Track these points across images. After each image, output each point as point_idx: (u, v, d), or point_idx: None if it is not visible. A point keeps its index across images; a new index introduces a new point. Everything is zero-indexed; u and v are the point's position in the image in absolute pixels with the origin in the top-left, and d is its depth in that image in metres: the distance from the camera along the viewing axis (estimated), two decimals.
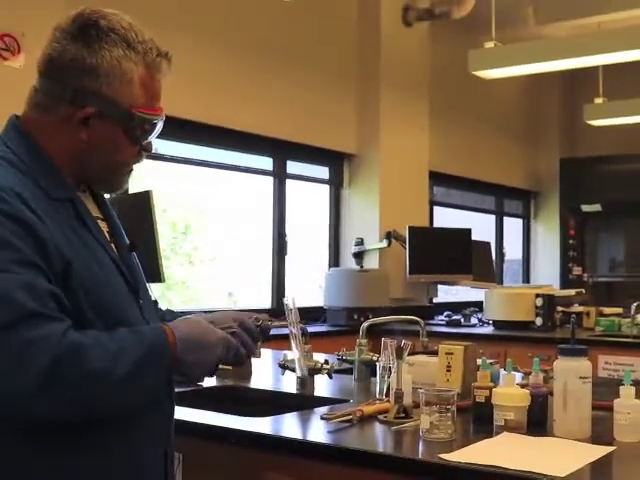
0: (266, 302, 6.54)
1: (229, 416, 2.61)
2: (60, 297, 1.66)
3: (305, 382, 3.05)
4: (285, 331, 3.21)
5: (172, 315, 2.13)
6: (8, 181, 1.70)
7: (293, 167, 6.86)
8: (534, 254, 10.30)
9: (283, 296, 6.60)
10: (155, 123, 1.89)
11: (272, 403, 2.95)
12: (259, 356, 2.92)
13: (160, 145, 5.69)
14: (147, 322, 1.90)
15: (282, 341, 3.90)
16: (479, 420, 2.39)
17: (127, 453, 1.79)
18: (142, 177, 5.56)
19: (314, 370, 3.07)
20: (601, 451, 2.07)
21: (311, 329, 3.24)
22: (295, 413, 2.64)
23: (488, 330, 6.41)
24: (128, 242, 2.00)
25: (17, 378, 1.55)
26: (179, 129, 5.57)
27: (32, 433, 1.66)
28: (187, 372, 1.80)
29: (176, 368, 1.77)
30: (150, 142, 1.92)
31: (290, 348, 2.77)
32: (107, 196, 2.07)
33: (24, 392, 1.56)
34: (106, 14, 1.83)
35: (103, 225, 1.93)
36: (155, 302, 2.12)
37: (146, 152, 1.93)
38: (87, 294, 1.72)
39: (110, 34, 1.80)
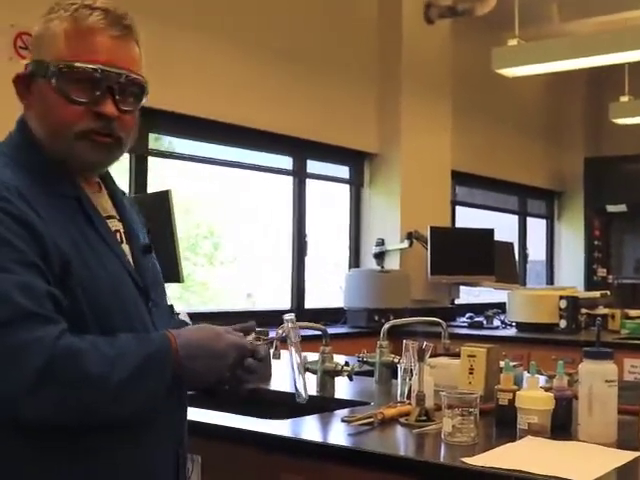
0: (286, 303, 6.54)
1: (249, 418, 2.61)
2: (58, 298, 1.65)
3: (325, 384, 3.06)
4: (305, 332, 3.20)
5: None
6: (9, 178, 1.70)
7: (313, 166, 6.86)
8: (558, 255, 10.26)
9: (303, 297, 6.61)
10: (89, 72, 1.76)
11: (292, 405, 2.95)
12: (279, 357, 2.92)
13: (179, 144, 5.71)
14: (155, 326, 1.86)
15: (302, 342, 3.91)
16: (502, 423, 2.39)
17: (134, 455, 1.78)
18: (162, 177, 5.59)
19: (334, 372, 3.07)
20: (627, 456, 2.06)
21: (331, 330, 3.24)
22: (315, 415, 2.64)
23: (511, 332, 6.39)
24: (142, 244, 1.96)
25: (8, 378, 1.55)
26: (198, 128, 5.59)
27: (31, 434, 1.64)
28: (196, 380, 1.78)
29: (181, 375, 1.72)
30: (106, 103, 1.78)
31: (312, 350, 2.77)
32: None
33: (15, 392, 1.56)
34: None
35: (118, 225, 1.91)
36: (171, 307, 2.09)
37: (103, 115, 1.78)
38: (86, 294, 1.70)
39: (55, 7, 1.82)
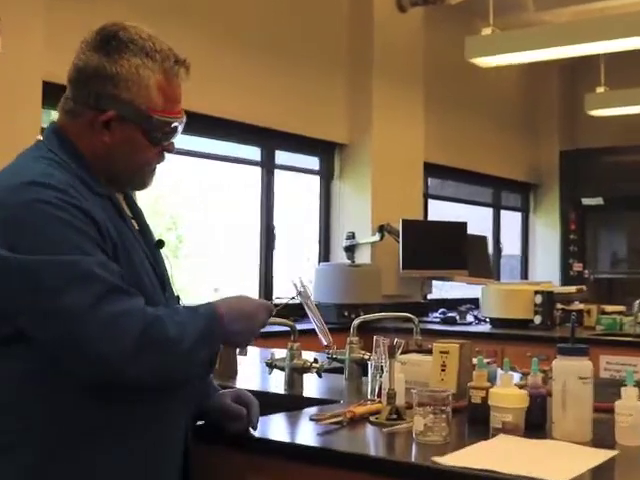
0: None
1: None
2: (123, 276, 1.93)
3: (293, 382, 3.06)
4: (273, 328, 3.19)
5: None
6: (63, 177, 1.95)
7: (282, 157, 6.85)
8: (533, 249, 10.30)
9: (271, 291, 6.60)
10: (175, 125, 2.13)
11: (260, 403, 2.94)
12: (246, 354, 2.91)
13: None
14: None
15: (269, 339, 3.89)
16: (475, 422, 2.39)
17: (162, 430, 2.06)
18: None
19: (303, 369, 3.06)
20: (602, 455, 2.06)
21: (300, 326, 3.22)
22: (283, 414, 2.64)
23: (485, 328, 6.41)
24: (156, 240, 2.26)
25: (114, 344, 1.81)
26: None
27: (97, 402, 1.92)
28: (235, 340, 2.13)
29: (226, 338, 2.06)
30: (172, 143, 2.17)
31: (280, 346, 2.76)
32: None
33: (120, 357, 1.82)
34: (126, 26, 2.08)
35: (134, 223, 2.18)
36: (178, 298, 2.32)
37: (168, 152, 2.17)
38: (127, 279, 1.94)
39: (129, 45, 2.05)
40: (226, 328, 2.02)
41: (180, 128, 2.16)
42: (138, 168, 2.14)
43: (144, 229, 2.23)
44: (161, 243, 2.27)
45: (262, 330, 2.18)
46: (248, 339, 2.16)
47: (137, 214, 2.24)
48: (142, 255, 2.08)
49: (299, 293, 2.68)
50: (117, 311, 1.84)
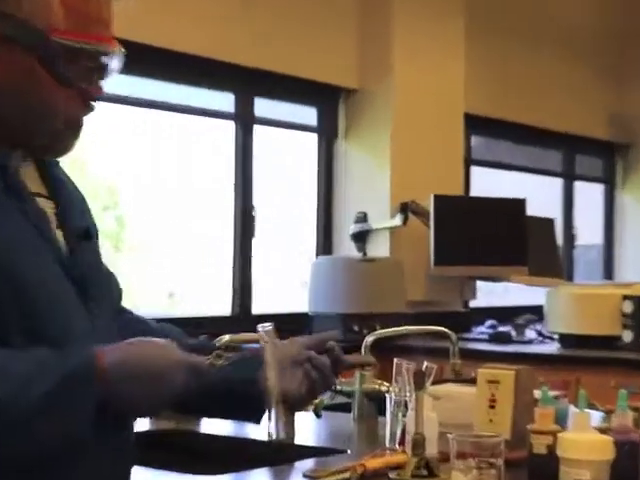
0: (225, 307, 6.51)
1: (173, 474, 2.60)
2: None
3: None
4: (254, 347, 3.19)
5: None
6: None
7: (264, 107, 6.86)
8: (620, 237, 10.32)
9: (250, 297, 6.59)
10: (97, 57, 2.02)
11: (234, 455, 2.95)
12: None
13: None
14: (95, 327, 2.04)
15: None
16: None
17: None
18: None
19: None
20: None
21: None
22: (266, 469, 2.65)
23: (551, 348, 6.43)
24: (84, 228, 2.17)
25: None
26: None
27: None
28: (123, 408, 1.92)
29: (111, 402, 1.86)
30: (98, 86, 2.07)
31: None
32: None
33: None
34: None
35: (48, 204, 2.10)
36: (131, 313, 2.35)
37: (91, 100, 2.06)
38: (7, 288, 1.87)
39: None
40: (108, 388, 1.86)
41: (115, 63, 2.06)
42: (41, 116, 2.02)
43: (66, 214, 2.13)
44: (87, 234, 2.18)
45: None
46: (147, 409, 2.02)
47: (57, 191, 2.15)
48: (44, 252, 1.99)
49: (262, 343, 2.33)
50: None
